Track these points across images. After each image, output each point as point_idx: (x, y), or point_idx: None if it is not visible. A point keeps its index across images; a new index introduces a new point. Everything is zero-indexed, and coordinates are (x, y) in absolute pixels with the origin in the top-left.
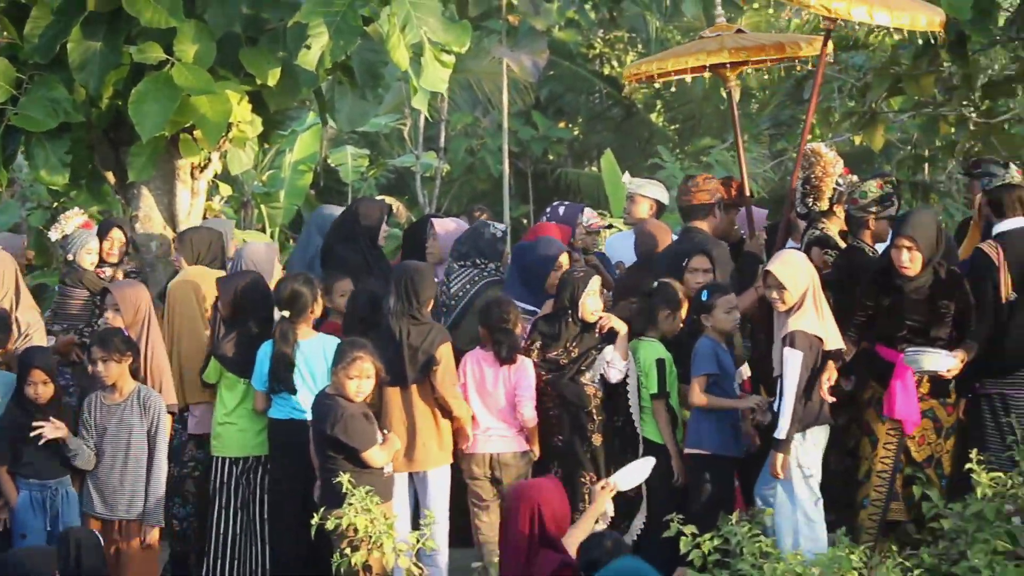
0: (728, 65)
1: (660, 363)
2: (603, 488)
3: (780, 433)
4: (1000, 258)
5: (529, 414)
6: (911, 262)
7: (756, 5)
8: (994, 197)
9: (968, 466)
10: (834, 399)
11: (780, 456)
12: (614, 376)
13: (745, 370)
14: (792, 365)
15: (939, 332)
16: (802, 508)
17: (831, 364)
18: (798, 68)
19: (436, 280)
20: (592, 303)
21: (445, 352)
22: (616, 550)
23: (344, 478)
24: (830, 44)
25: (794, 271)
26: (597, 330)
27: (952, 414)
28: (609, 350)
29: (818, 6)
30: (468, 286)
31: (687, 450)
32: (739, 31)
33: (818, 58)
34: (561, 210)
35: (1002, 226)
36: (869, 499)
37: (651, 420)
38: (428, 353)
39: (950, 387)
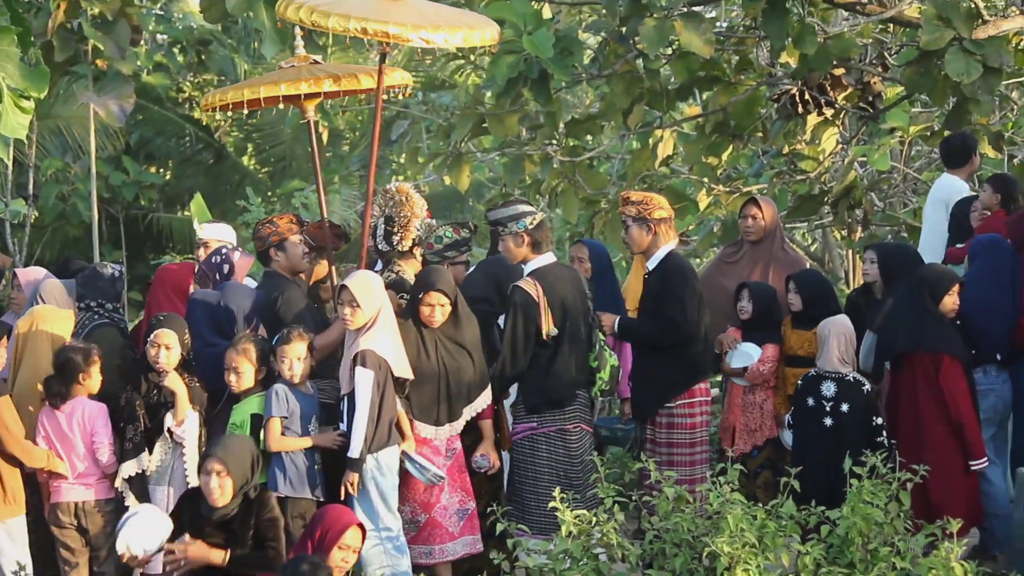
0: (303, 97)
1: (256, 417)
2: None
3: (353, 452)
4: (539, 294)
5: (107, 459)
6: (220, 488)
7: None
8: (535, 236)
9: (552, 504)
10: None
11: (354, 475)
12: (179, 440)
13: None
14: (364, 385)
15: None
16: (386, 532)
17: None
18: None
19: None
20: (151, 352)
21: (1, 405)
22: (313, 571)
23: None
24: (410, 82)
25: (368, 290)
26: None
27: None
28: (169, 416)
29: (377, 32)
30: (81, 330)
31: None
32: (315, 62)
33: (397, 92)
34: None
35: (537, 262)
36: None
37: None
38: None
39: None
